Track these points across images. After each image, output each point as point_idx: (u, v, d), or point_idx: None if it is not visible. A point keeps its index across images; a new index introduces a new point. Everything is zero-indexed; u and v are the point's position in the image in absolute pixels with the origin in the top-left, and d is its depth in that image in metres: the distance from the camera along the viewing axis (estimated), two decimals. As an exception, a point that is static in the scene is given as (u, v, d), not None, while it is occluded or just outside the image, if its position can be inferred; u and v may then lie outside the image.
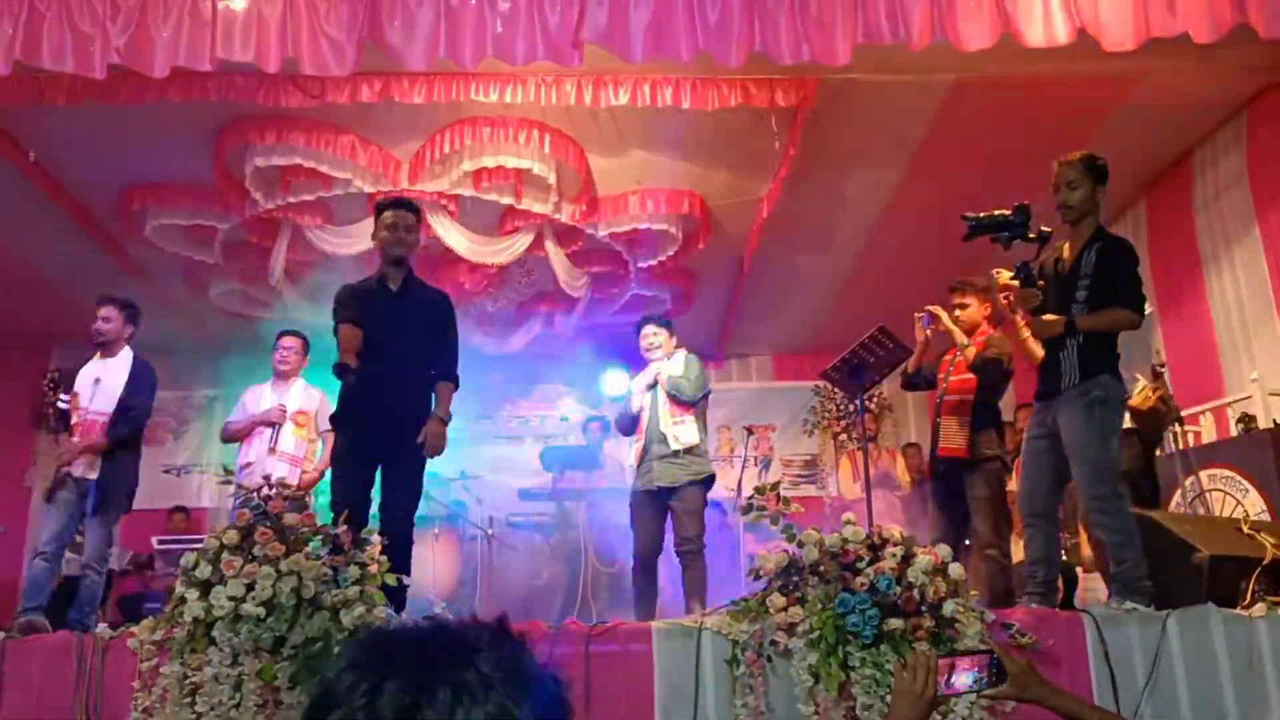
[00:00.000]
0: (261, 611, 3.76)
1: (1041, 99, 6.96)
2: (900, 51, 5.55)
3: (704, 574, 5.96)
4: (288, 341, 6.84)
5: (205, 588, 3.87)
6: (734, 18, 5.40)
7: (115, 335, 5.89)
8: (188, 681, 3.81)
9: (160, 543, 7.89)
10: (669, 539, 6.19)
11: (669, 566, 6.26)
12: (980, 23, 5.39)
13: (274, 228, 8.66)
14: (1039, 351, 4.99)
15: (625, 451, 6.35)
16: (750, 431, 9.47)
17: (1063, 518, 5.73)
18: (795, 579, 3.94)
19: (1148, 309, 4.83)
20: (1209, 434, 7.44)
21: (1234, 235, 7.56)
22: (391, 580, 4.07)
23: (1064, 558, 5.95)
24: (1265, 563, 4.53)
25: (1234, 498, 6.25)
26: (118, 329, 5.89)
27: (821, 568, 3.87)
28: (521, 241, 8.71)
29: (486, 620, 0.98)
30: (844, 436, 12.19)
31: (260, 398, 6.77)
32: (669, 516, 6.12)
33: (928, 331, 5.89)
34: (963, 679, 2.28)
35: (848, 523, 4.01)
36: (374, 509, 4.88)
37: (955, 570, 3.89)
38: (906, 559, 3.86)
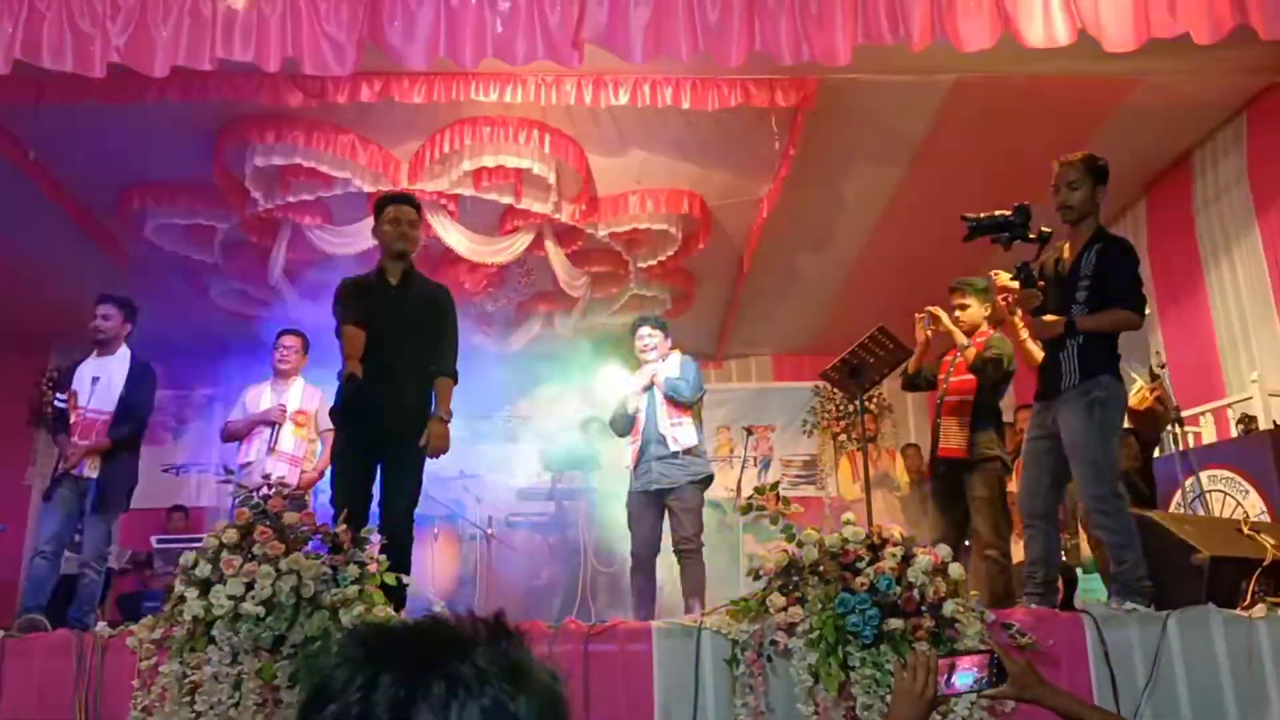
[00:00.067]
0: (261, 610, 3.76)
1: (1041, 99, 6.96)
2: (900, 51, 5.55)
3: (702, 573, 5.96)
4: (288, 340, 6.84)
5: (205, 586, 3.86)
6: (734, 18, 5.40)
7: (114, 333, 5.88)
8: (187, 680, 3.81)
9: (159, 542, 7.88)
10: (666, 539, 6.18)
11: (668, 567, 6.26)
12: (980, 23, 5.39)
13: (273, 227, 8.66)
14: (1038, 354, 4.99)
15: (621, 452, 6.33)
16: (750, 432, 9.47)
17: (1062, 518, 5.73)
18: (795, 579, 3.94)
19: (1147, 309, 4.82)
20: (1209, 435, 7.43)
21: (1234, 235, 7.56)
22: (391, 579, 4.07)
23: (1064, 558, 5.95)
24: (1265, 564, 4.53)
25: (1234, 498, 6.25)
26: (117, 327, 5.89)
27: (821, 568, 3.86)
28: (521, 241, 8.71)
29: (483, 615, 0.98)
30: (843, 437, 12.19)
31: (260, 397, 6.77)
32: (666, 516, 6.12)
33: (928, 332, 5.89)
34: (963, 679, 2.27)
35: (847, 523, 4.01)
36: (374, 507, 4.88)
37: (955, 570, 3.89)
38: (906, 559, 3.85)
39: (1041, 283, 4.71)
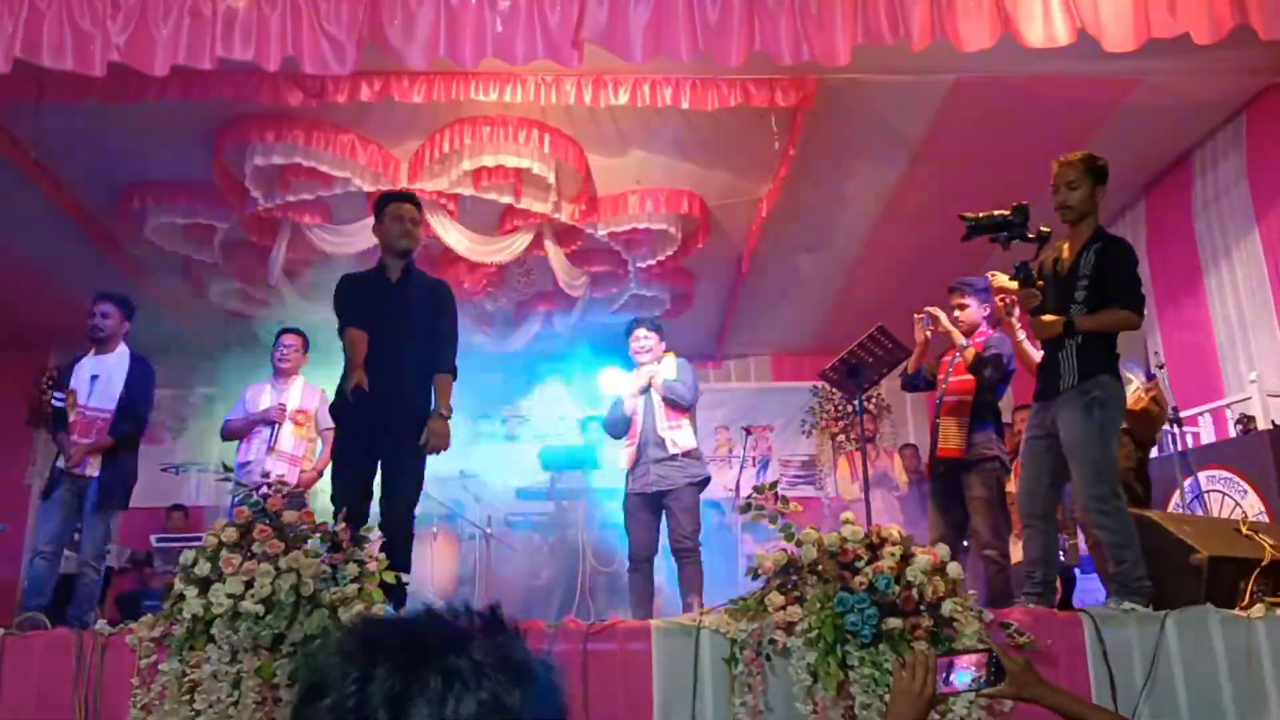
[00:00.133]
0: (260, 609, 3.76)
1: (1041, 99, 6.97)
2: (900, 51, 5.55)
3: (700, 572, 5.97)
4: (288, 339, 6.85)
5: (204, 585, 3.87)
6: (734, 17, 5.40)
7: (113, 331, 5.89)
8: (186, 679, 3.81)
9: (159, 541, 7.88)
10: (663, 540, 6.19)
11: (666, 567, 6.26)
12: (980, 23, 5.40)
13: (273, 227, 8.66)
14: (1035, 355, 5.00)
15: (618, 453, 6.34)
16: (748, 432, 9.49)
17: (1061, 518, 5.73)
18: (794, 578, 3.94)
19: (1145, 310, 4.82)
20: (1208, 435, 7.44)
21: (1233, 236, 7.57)
22: (390, 578, 4.07)
23: (1062, 558, 5.95)
24: (1264, 564, 4.53)
25: (1233, 499, 6.25)
26: (115, 325, 5.90)
27: (820, 567, 3.87)
28: (521, 241, 8.71)
29: (479, 609, 0.98)
30: (842, 437, 12.20)
31: (260, 395, 6.77)
32: (663, 517, 6.13)
33: (927, 332, 5.89)
34: (961, 678, 2.28)
35: (846, 522, 4.01)
36: (373, 506, 4.88)
37: (954, 570, 3.89)
38: (905, 558, 3.86)
39: (1040, 282, 4.72)
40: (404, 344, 4.91)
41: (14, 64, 5.28)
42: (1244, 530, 4.86)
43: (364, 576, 3.99)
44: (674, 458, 6.08)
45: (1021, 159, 6.21)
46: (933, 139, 7.62)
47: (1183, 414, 6.96)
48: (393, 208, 5.06)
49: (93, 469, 5.60)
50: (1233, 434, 6.96)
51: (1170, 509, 6.39)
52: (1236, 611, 4.18)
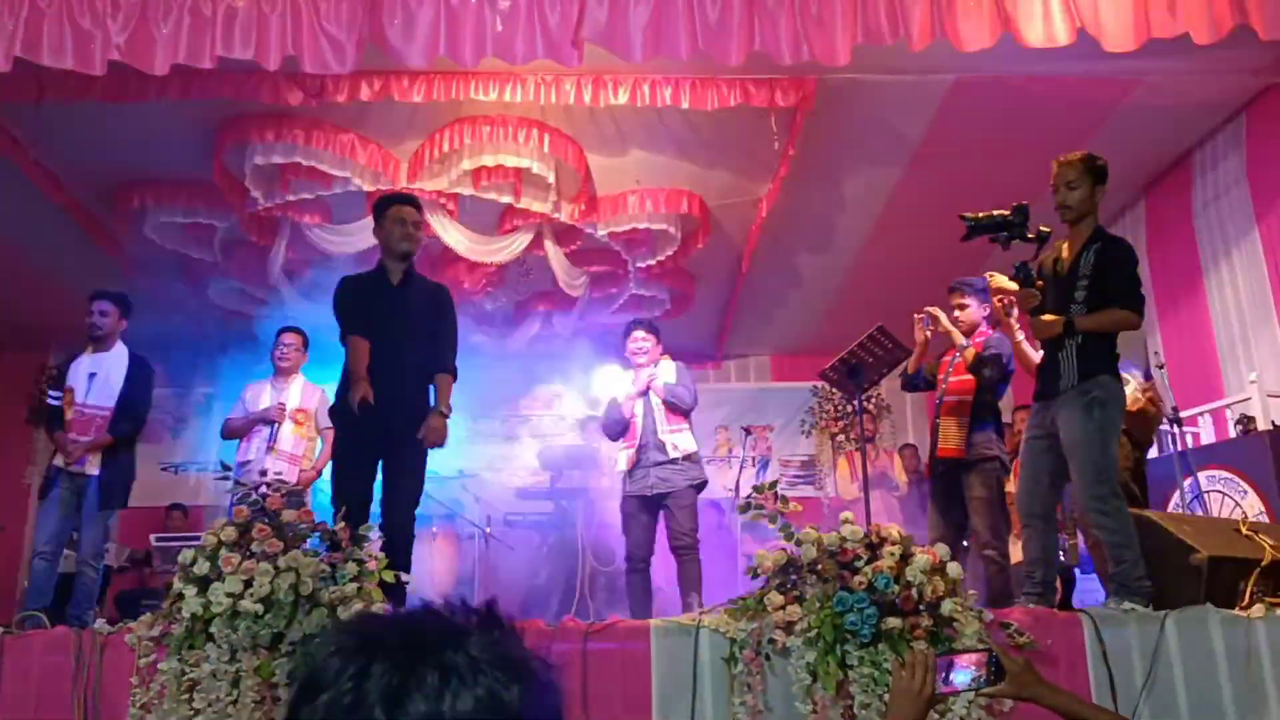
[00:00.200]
0: (259, 608, 3.76)
1: (1041, 99, 6.97)
2: (900, 51, 5.55)
3: (699, 567, 5.99)
4: (288, 338, 6.84)
5: (203, 584, 3.87)
6: (734, 17, 5.40)
7: (111, 329, 5.90)
8: (185, 678, 3.81)
9: (158, 540, 7.87)
10: (660, 540, 6.20)
11: (665, 567, 6.26)
12: (980, 22, 5.39)
13: (273, 226, 8.66)
14: (1034, 357, 4.99)
15: (616, 455, 6.34)
16: (748, 432, 9.47)
17: (1061, 518, 5.73)
18: (793, 577, 3.94)
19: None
20: (1207, 435, 7.44)
21: (1233, 236, 7.57)
22: (389, 577, 4.07)
23: (1062, 558, 5.95)
24: (1264, 564, 4.53)
25: (1232, 499, 6.25)
26: (113, 323, 5.91)
27: (820, 566, 3.87)
28: (520, 240, 8.71)
29: (476, 605, 0.97)
30: (842, 437, 12.19)
31: (260, 394, 6.77)
32: (660, 517, 6.14)
33: (927, 332, 5.89)
34: (961, 677, 2.27)
35: (846, 521, 4.01)
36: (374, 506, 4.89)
37: (953, 569, 3.89)
38: (904, 558, 3.86)
39: (1040, 282, 4.71)
40: (405, 347, 4.91)
41: (14, 63, 5.27)
42: (1244, 530, 4.86)
43: (363, 575, 3.99)
44: (674, 461, 6.08)
45: (1021, 159, 6.21)
46: (933, 139, 7.61)
47: (1183, 414, 6.95)
48: (394, 210, 5.05)
49: (91, 467, 5.61)
50: (1233, 434, 6.96)
51: (1170, 509, 6.39)
52: (1236, 612, 4.18)
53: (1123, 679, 3.93)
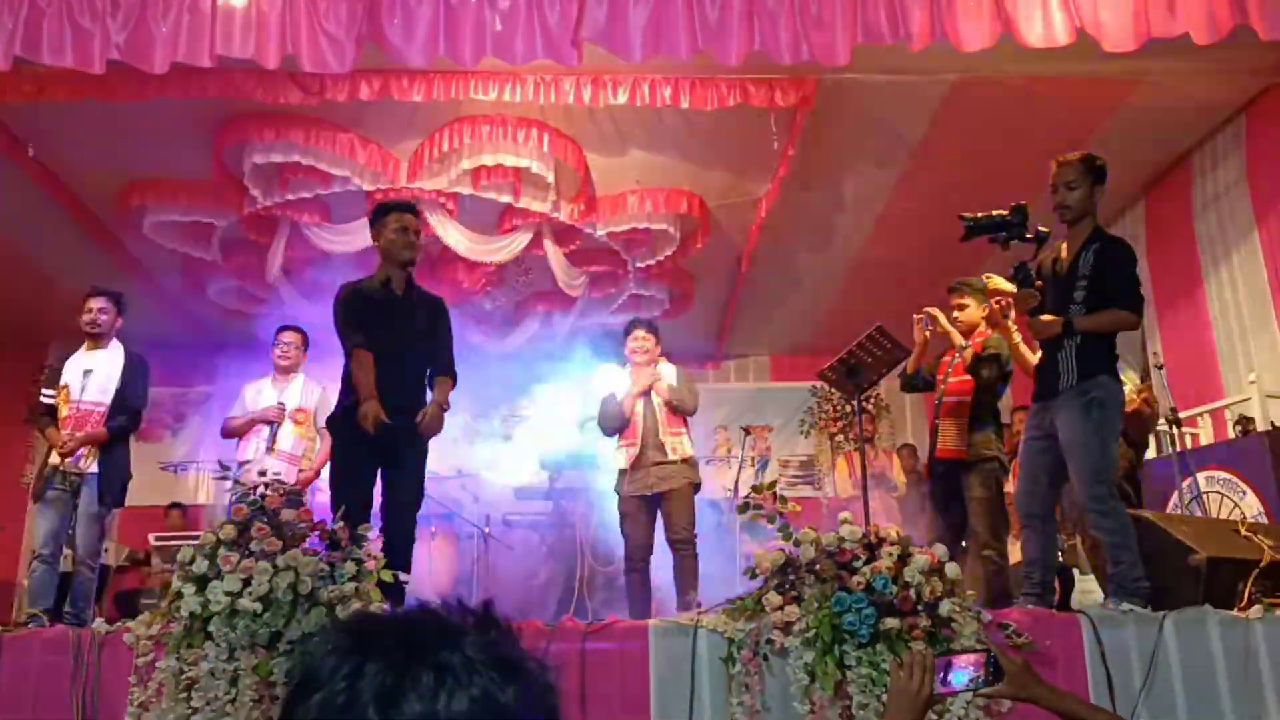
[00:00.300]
0: (258, 607, 3.75)
1: (1041, 99, 6.97)
2: (900, 51, 5.55)
3: (696, 565, 5.99)
4: (287, 336, 6.82)
5: (202, 583, 3.86)
6: (733, 17, 5.39)
7: (109, 326, 5.89)
8: (184, 676, 3.80)
9: (157, 539, 7.87)
10: (659, 539, 6.20)
11: (663, 567, 6.26)
12: (980, 23, 5.39)
13: (272, 225, 8.66)
14: (1032, 358, 4.99)
15: (615, 454, 6.33)
16: (747, 432, 9.46)
17: (1060, 519, 5.73)
18: (792, 578, 3.93)
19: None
20: (1207, 436, 7.44)
21: (1233, 237, 7.56)
22: (388, 576, 4.07)
23: (1060, 558, 5.95)
24: (1262, 565, 4.53)
25: (1231, 500, 6.25)
26: (112, 320, 5.90)
27: (818, 567, 3.86)
28: (520, 240, 8.71)
29: (473, 605, 0.97)
30: (841, 437, 12.20)
31: (260, 393, 6.75)
32: (658, 515, 6.15)
33: (927, 333, 5.88)
34: (959, 678, 2.27)
35: (844, 522, 4.00)
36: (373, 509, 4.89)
37: (952, 570, 3.89)
38: (903, 558, 3.85)
39: (1039, 283, 4.71)
40: (407, 356, 4.91)
41: (14, 61, 5.28)
42: (1243, 531, 4.86)
43: (361, 575, 3.99)
44: (674, 463, 6.09)
45: (1021, 159, 6.21)
46: (933, 139, 7.62)
47: (1182, 415, 6.96)
48: (394, 218, 5.00)
49: (87, 463, 5.60)
50: (1232, 435, 6.96)
51: (1169, 510, 6.39)
52: (1235, 613, 4.18)
53: (1121, 680, 3.93)
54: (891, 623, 3.70)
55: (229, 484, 5.82)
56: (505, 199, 8.16)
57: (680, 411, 6.19)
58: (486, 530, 8.52)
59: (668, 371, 6.31)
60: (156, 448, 11.30)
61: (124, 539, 9.94)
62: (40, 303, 9.77)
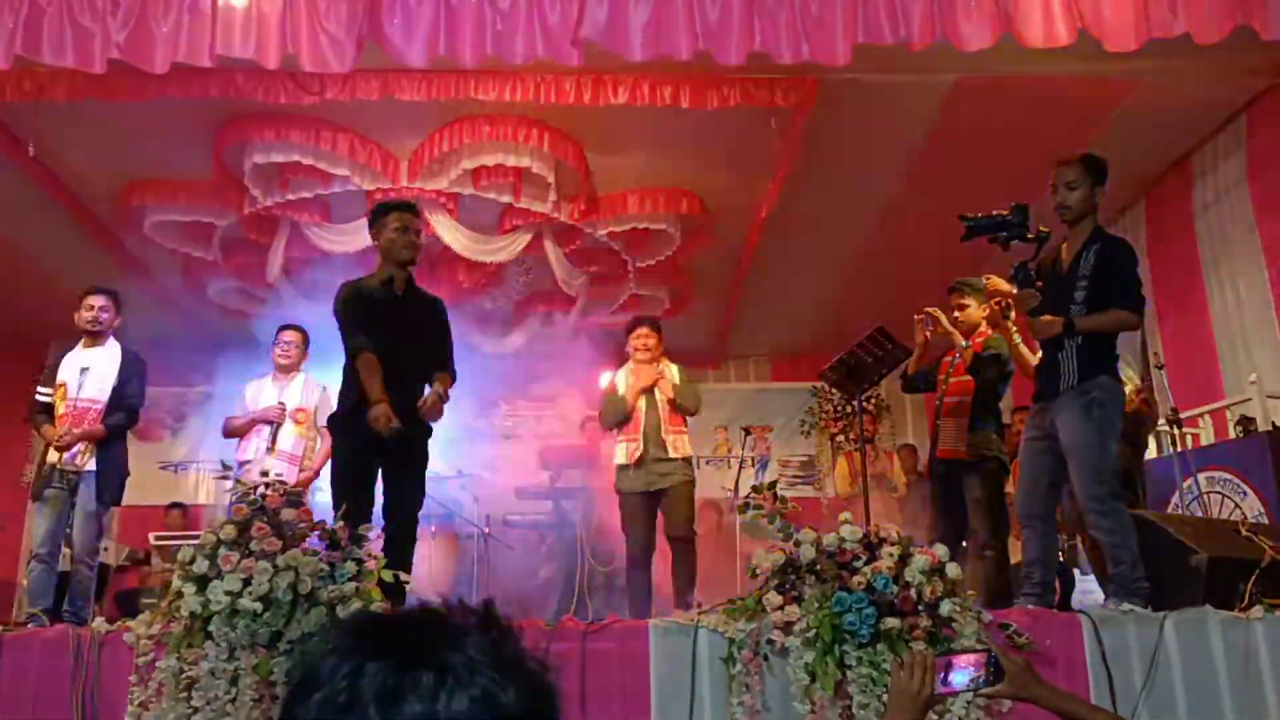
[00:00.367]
0: (258, 606, 3.75)
1: (1041, 99, 6.96)
2: (900, 51, 5.54)
3: (695, 562, 6.00)
4: (288, 336, 6.81)
5: (202, 582, 3.86)
6: (734, 17, 5.38)
7: (109, 324, 5.89)
8: (184, 676, 3.80)
9: (157, 539, 7.87)
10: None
11: (664, 565, 6.26)
12: (980, 23, 5.38)
13: (272, 225, 8.66)
14: (1032, 359, 4.99)
15: (616, 450, 6.33)
16: (747, 432, 9.46)
17: (1060, 519, 5.73)
18: (792, 578, 3.93)
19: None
20: (1207, 436, 7.43)
21: (1234, 238, 7.56)
22: (388, 576, 4.06)
23: (1061, 559, 5.95)
24: (1263, 565, 4.52)
25: (1232, 500, 6.25)
26: (112, 318, 5.91)
27: (818, 567, 3.86)
28: (520, 240, 8.71)
29: (474, 605, 0.97)
30: (841, 437, 12.20)
31: (261, 392, 6.74)
32: (657, 514, 6.16)
33: (927, 333, 5.88)
34: (960, 678, 2.27)
35: (845, 522, 4.00)
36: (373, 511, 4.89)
37: (952, 570, 3.89)
38: (903, 558, 3.85)
39: (1039, 283, 4.70)
40: (408, 356, 4.90)
41: (14, 61, 5.27)
42: (1243, 532, 4.86)
43: (362, 575, 3.99)
44: (674, 460, 6.10)
45: (1021, 159, 6.21)
46: (933, 139, 7.61)
47: (1183, 415, 6.95)
48: (395, 217, 4.99)
49: (84, 460, 5.59)
50: (1233, 435, 6.95)
51: (1170, 510, 6.39)
52: (1235, 613, 4.18)
53: (1122, 680, 3.93)
54: (892, 623, 3.70)
55: (229, 484, 5.83)
56: (505, 199, 8.16)
57: (683, 411, 6.21)
58: (486, 530, 8.52)
59: (672, 371, 6.32)
60: (156, 447, 11.31)
61: (124, 538, 9.94)
62: (40, 303, 9.75)
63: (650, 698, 3.91)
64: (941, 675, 2.23)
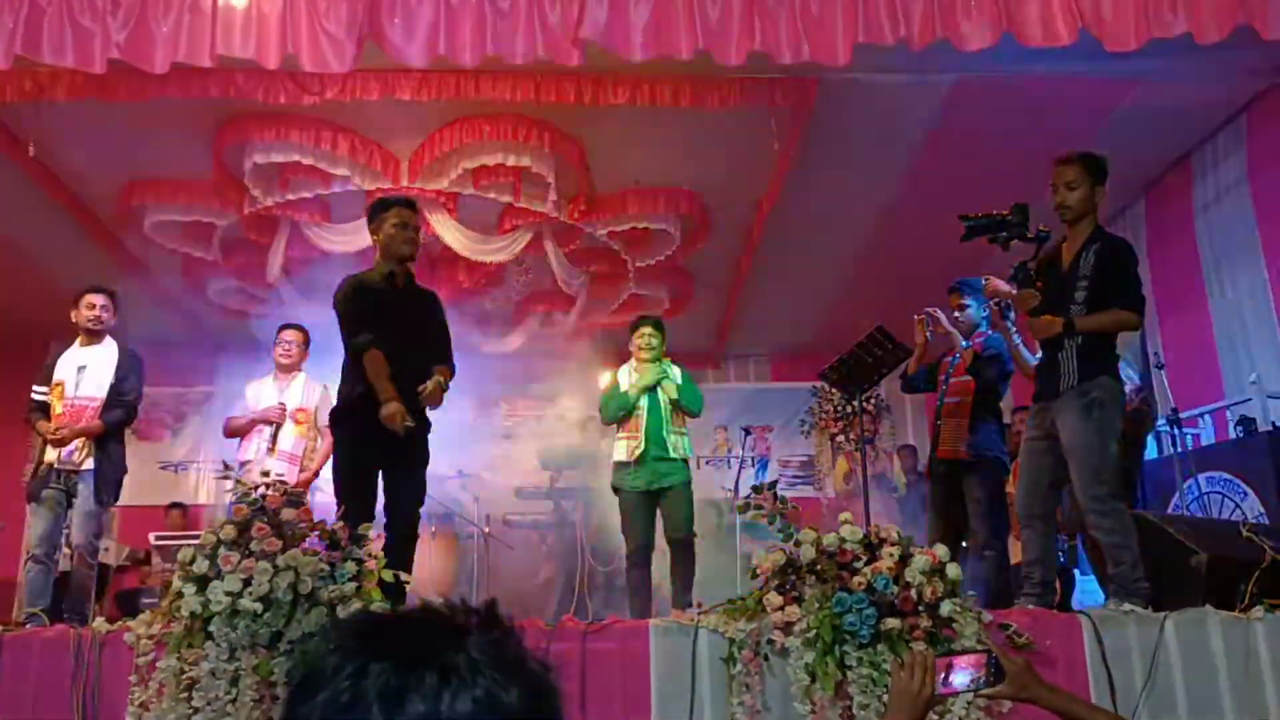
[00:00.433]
0: (258, 607, 3.76)
1: (1041, 99, 6.96)
2: (900, 51, 5.54)
3: (694, 561, 6.00)
4: (289, 335, 6.81)
5: (202, 582, 3.86)
6: (734, 16, 5.38)
7: (108, 323, 5.90)
8: (184, 676, 3.80)
9: (157, 539, 7.87)
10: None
11: (664, 564, 6.26)
12: (980, 22, 5.37)
13: (272, 225, 8.66)
14: (1030, 362, 4.98)
15: (615, 446, 6.33)
16: (747, 431, 9.47)
17: (1060, 519, 5.73)
18: (792, 578, 3.93)
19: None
20: (1208, 437, 7.43)
21: (1234, 237, 7.56)
22: (389, 576, 4.06)
23: (1061, 559, 5.95)
24: (1263, 565, 4.52)
25: (1232, 500, 6.25)
26: (112, 317, 5.91)
27: (819, 567, 3.86)
28: (520, 240, 8.71)
29: (476, 605, 0.97)
30: (841, 437, 12.20)
31: (262, 393, 6.73)
32: (657, 513, 6.16)
33: (927, 333, 5.88)
34: (960, 678, 2.26)
35: (845, 522, 4.00)
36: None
37: (952, 570, 3.89)
38: (903, 559, 3.85)
39: (1039, 283, 4.70)
40: (409, 352, 4.89)
41: (14, 61, 5.27)
42: (1244, 532, 4.85)
43: (362, 575, 3.99)
44: (674, 460, 6.10)
45: (1021, 159, 6.20)
46: (933, 139, 7.61)
47: (1183, 415, 6.95)
48: (394, 213, 4.99)
49: (82, 459, 5.59)
50: (1233, 435, 6.95)
51: (1170, 511, 6.39)
52: (1235, 613, 4.17)
53: (1122, 680, 3.93)
54: (892, 623, 3.70)
55: (230, 484, 5.82)
56: (505, 199, 8.16)
57: (685, 412, 6.21)
58: (486, 530, 8.53)
59: (675, 372, 6.32)
60: (156, 447, 11.31)
61: (124, 538, 9.94)
62: (40, 303, 9.74)
63: (650, 698, 3.91)
64: (942, 676, 2.23)
